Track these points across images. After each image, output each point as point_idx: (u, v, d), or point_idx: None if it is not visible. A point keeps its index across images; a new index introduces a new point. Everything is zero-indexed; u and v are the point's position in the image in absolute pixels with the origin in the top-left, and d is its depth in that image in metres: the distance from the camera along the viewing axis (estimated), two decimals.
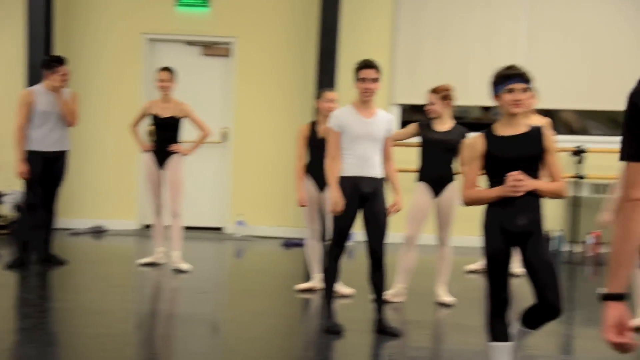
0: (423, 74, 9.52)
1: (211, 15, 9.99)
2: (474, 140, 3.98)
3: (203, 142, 7.62)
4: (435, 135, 6.22)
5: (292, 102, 9.87)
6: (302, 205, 6.56)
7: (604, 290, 2.23)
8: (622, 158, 2.27)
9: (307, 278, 7.03)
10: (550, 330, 4.18)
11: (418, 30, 9.66)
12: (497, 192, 3.90)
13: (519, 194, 3.84)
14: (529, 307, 4.01)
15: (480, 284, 7.34)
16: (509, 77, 3.88)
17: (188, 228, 8.34)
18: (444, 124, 6.26)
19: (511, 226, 3.90)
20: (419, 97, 9.14)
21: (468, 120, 9.50)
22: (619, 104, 10.09)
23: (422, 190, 6.28)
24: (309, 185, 6.57)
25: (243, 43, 9.93)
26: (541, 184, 3.91)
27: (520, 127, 3.96)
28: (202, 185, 10.06)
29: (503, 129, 3.97)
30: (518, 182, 3.83)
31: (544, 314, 3.93)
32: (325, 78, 9.35)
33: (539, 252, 3.89)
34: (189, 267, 7.49)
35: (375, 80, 5.34)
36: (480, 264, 7.74)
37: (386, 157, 5.52)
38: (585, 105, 9.54)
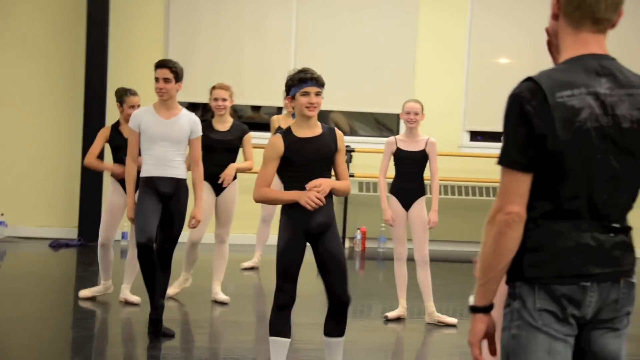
0: (198, 72, 9.42)
1: None
2: (275, 141, 4.00)
3: None
4: (216, 136, 6.20)
5: (59, 97, 9.36)
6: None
7: (472, 301, 2.13)
8: (502, 163, 2.08)
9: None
10: (318, 323, 4.32)
11: (191, 27, 9.56)
12: (292, 197, 3.95)
13: (315, 207, 3.92)
14: (327, 318, 4.12)
15: (254, 281, 7.44)
16: (304, 81, 3.98)
17: None
18: (225, 123, 6.26)
19: (310, 225, 3.99)
20: (193, 95, 9.10)
21: (242, 120, 9.57)
22: (384, 107, 10.62)
23: (205, 190, 6.19)
24: (117, 189, 6.16)
25: None
26: (336, 183, 4.05)
27: (315, 129, 4.06)
28: None
29: (300, 131, 4.04)
30: (317, 197, 3.90)
31: (335, 308, 4.07)
32: (96, 72, 9.01)
33: (332, 247, 4.04)
34: None
35: (168, 80, 5.19)
36: (254, 261, 7.82)
37: (193, 161, 5.41)
38: (353, 107, 9.98)
